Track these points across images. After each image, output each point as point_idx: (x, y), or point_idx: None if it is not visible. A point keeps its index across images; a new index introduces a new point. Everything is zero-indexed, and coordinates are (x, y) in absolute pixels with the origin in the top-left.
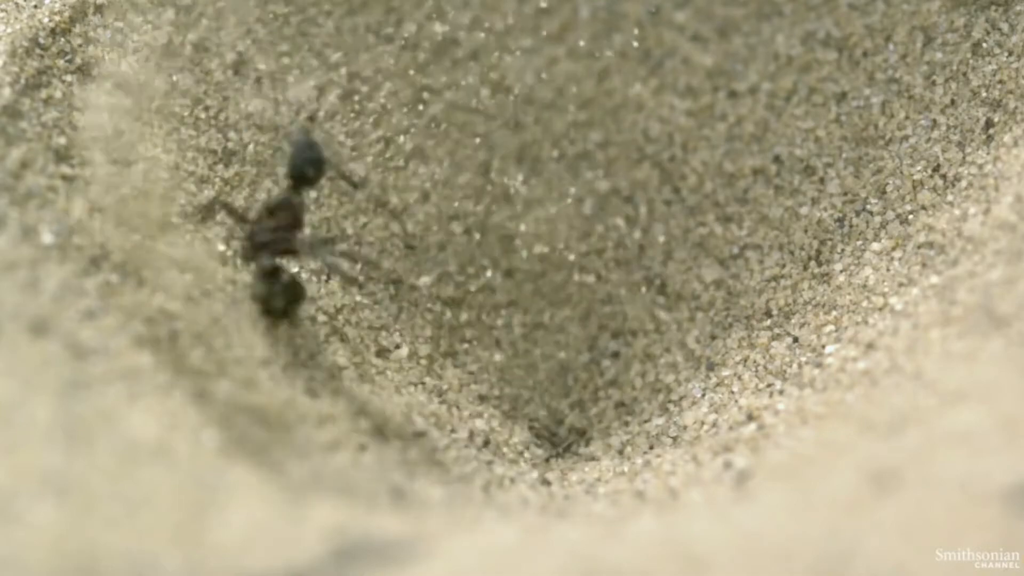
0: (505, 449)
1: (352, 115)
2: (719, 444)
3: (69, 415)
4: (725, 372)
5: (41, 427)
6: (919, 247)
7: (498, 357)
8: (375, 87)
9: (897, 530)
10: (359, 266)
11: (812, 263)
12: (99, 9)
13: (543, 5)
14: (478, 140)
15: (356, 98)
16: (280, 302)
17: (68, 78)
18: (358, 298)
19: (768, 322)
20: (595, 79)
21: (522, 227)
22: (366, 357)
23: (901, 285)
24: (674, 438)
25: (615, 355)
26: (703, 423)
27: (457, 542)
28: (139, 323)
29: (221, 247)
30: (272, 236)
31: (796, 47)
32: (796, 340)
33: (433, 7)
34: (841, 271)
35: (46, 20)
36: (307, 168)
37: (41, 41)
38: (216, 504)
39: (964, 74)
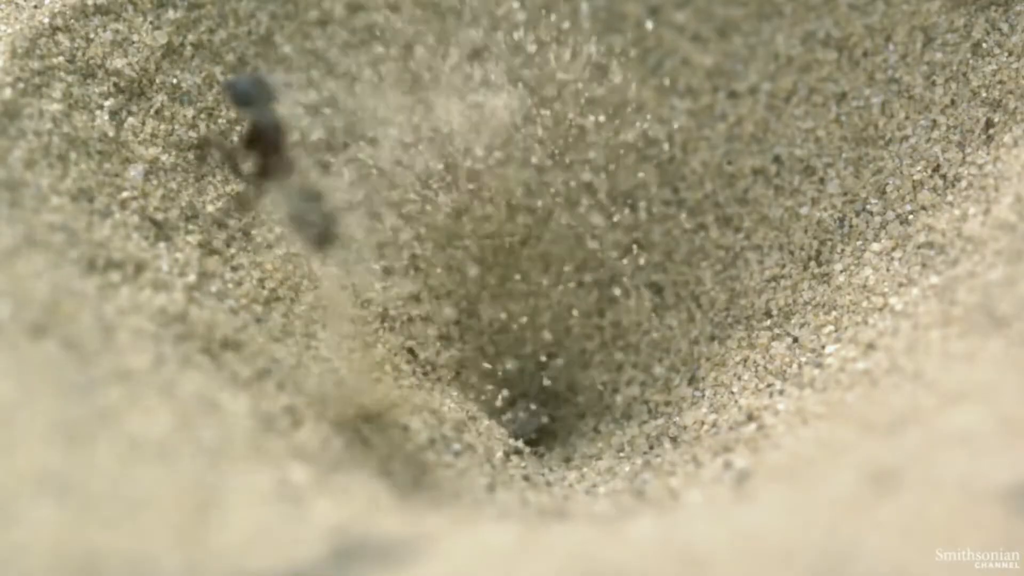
0: (505, 449)
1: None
2: (719, 444)
3: (69, 415)
4: (725, 372)
5: (41, 427)
6: (919, 247)
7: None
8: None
9: (897, 530)
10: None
11: (812, 263)
12: (99, 9)
13: (543, 4)
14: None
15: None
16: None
17: (68, 78)
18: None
19: (768, 322)
20: (595, 79)
21: (522, 228)
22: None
23: (901, 285)
24: (674, 438)
25: (615, 355)
26: (703, 423)
27: (457, 542)
28: (140, 323)
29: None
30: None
31: (796, 47)
32: (796, 340)
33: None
34: (841, 271)
35: (46, 20)
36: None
37: (41, 41)
38: (216, 504)
39: (964, 74)
